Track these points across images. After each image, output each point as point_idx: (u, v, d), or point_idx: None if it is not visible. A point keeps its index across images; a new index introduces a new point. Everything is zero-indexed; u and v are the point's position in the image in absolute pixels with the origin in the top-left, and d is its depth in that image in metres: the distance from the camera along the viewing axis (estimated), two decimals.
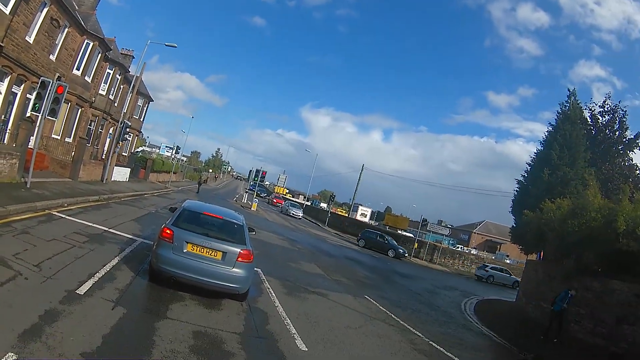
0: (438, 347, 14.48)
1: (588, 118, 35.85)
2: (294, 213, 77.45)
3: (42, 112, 20.08)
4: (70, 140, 34.41)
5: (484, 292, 34.51)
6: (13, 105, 24.02)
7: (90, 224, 17.20)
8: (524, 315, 24.30)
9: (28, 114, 24.15)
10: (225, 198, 67.28)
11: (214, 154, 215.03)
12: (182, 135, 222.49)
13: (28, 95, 26.52)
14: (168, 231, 11.85)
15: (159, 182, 58.74)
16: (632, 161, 35.95)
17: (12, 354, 6.28)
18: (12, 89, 25.30)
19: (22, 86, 26.49)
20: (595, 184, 22.00)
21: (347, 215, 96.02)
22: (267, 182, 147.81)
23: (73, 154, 30.66)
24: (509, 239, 52.99)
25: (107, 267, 12.21)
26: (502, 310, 26.91)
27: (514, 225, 34.52)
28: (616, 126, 35.29)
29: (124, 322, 8.95)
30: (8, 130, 23.02)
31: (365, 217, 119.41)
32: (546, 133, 34.18)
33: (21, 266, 9.99)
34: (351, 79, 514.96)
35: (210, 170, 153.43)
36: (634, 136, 35.36)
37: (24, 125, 22.35)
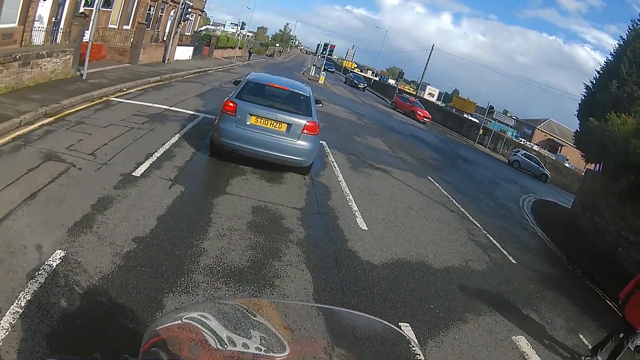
0: (494, 241, 14.13)
1: None
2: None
3: (95, 5, 19.73)
4: (128, 27, 33.91)
5: (543, 192, 33.70)
6: (64, 6, 23.57)
7: (150, 104, 17.04)
8: (578, 226, 23.37)
9: (81, 10, 23.85)
10: (292, 71, 66.08)
11: (282, 29, 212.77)
12: (247, 12, 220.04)
13: None
14: (231, 104, 11.61)
15: (223, 58, 58.20)
16: None
17: (60, 250, 6.19)
18: None
19: None
20: None
21: (415, 93, 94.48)
22: (335, 57, 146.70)
23: (132, 39, 30.48)
24: (570, 142, 51.21)
25: (167, 146, 12.16)
26: (558, 215, 26.08)
27: (579, 129, 32.89)
28: None
29: (181, 200, 8.97)
30: (60, 30, 22.65)
31: (433, 97, 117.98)
32: (616, 45, 31.72)
33: (74, 157, 9.83)
34: None
35: (277, 45, 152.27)
36: None
37: (76, 21, 22.01)
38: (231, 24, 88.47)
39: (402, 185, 16.60)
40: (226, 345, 2.24)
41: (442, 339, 7.24)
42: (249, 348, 2.29)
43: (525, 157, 47.06)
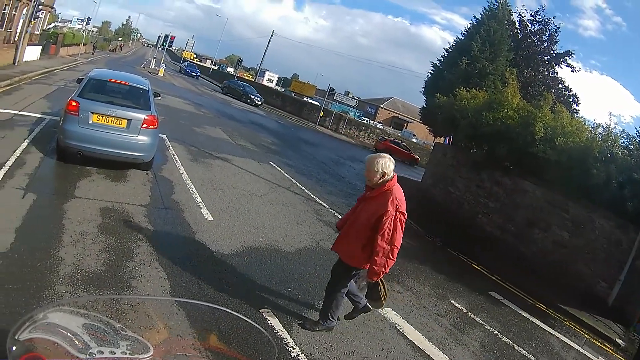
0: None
1: (516, 22, 34.91)
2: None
3: None
4: None
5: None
6: None
7: (1, 110, 16.14)
8: (430, 197, 24.10)
9: None
10: (133, 65, 64.62)
11: (124, 23, 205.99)
12: (94, 7, 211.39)
13: None
14: (74, 103, 11.23)
15: (69, 56, 55.56)
16: (557, 74, 35.54)
17: None
18: None
19: None
20: (515, 83, 21.66)
21: (253, 80, 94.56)
22: (175, 47, 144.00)
23: None
24: (416, 119, 52.96)
25: (17, 153, 11.60)
26: (408, 189, 26.09)
27: (425, 106, 34.21)
28: (545, 37, 34.45)
29: (34, 209, 8.67)
30: None
31: (272, 82, 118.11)
32: (469, 24, 33.32)
33: None
34: None
35: (120, 39, 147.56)
36: (563, 52, 34.77)
37: None
38: (78, 19, 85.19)
39: (244, 172, 16.83)
40: (94, 354, 2.28)
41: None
42: (115, 354, 2.35)
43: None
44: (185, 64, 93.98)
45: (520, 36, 34.81)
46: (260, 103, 57.07)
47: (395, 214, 6.37)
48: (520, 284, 13.66)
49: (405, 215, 6.51)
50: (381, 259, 6.42)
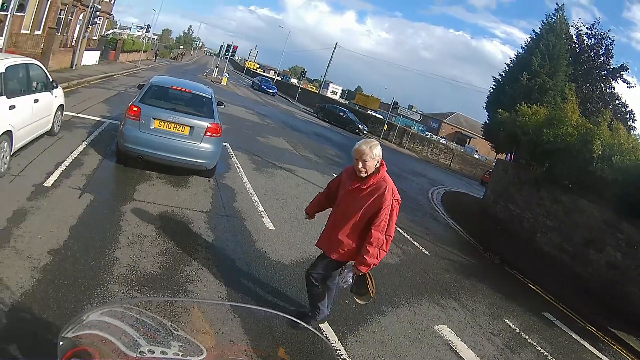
0: (404, 234, 14.36)
1: (574, 36, 34.41)
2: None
3: (10, 10, 19.00)
4: (39, 32, 32.80)
5: (451, 183, 34.45)
6: None
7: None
8: (491, 214, 23.75)
9: None
10: (195, 73, 65.53)
11: (185, 31, 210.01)
12: (153, 15, 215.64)
13: None
14: (135, 108, 11.36)
15: (128, 62, 56.85)
16: (614, 90, 35.02)
17: None
18: None
19: None
20: (574, 99, 20.92)
21: (317, 91, 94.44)
22: (237, 57, 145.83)
23: (42, 45, 29.44)
24: (479, 134, 52.36)
25: (75, 154, 11.80)
26: (469, 205, 26.75)
27: (487, 121, 33.80)
28: (601, 51, 33.98)
29: (91, 210, 8.73)
30: None
31: (336, 94, 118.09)
32: (528, 39, 32.60)
33: None
34: None
35: (181, 47, 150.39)
36: (619, 66, 34.27)
37: None
38: (137, 27, 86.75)
39: (307, 183, 16.73)
40: (144, 353, 2.23)
41: (362, 333, 7.36)
42: (166, 354, 2.29)
43: None
44: (259, 78, 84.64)
45: (577, 50, 34.24)
46: (366, 132, 52.96)
47: (392, 202, 6.05)
48: (572, 304, 13.29)
49: (400, 201, 6.22)
50: (374, 249, 6.05)
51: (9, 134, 9.16)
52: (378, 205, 5.97)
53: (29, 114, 10.37)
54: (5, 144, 9.08)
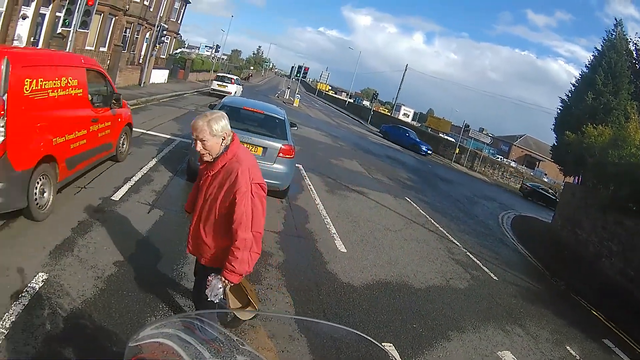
0: (474, 259, 14.24)
1: (633, 52, 32.77)
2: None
3: (72, 26, 19.62)
4: (104, 49, 33.93)
5: (521, 208, 33.96)
6: (42, 26, 23.52)
7: None
8: (559, 239, 23.44)
9: (59, 31, 23.75)
10: (267, 94, 66.58)
11: (255, 52, 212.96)
12: (221, 35, 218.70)
13: (57, 14, 25.26)
14: None
15: (198, 81, 58.33)
16: None
17: (43, 273, 6.12)
18: (40, 11, 24.50)
19: (50, 6, 25.26)
20: (637, 118, 20.70)
21: (389, 114, 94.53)
22: (309, 79, 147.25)
23: (108, 62, 30.38)
24: (548, 157, 51.48)
25: (144, 170, 12.15)
26: (538, 230, 26.28)
27: (555, 144, 33.35)
28: None
29: (160, 225, 8.96)
30: None
31: (408, 117, 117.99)
32: (591, 57, 32.23)
33: None
34: None
35: (252, 68, 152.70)
36: None
37: (54, 42, 21.89)
38: (205, 46, 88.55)
39: (380, 206, 16.71)
40: None
41: (427, 358, 7.30)
42: None
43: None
44: (392, 126, 60.05)
45: (637, 67, 32.94)
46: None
47: (251, 187, 4.65)
48: (632, 331, 12.81)
49: (265, 187, 4.83)
50: (243, 253, 4.59)
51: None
52: (232, 194, 4.63)
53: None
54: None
